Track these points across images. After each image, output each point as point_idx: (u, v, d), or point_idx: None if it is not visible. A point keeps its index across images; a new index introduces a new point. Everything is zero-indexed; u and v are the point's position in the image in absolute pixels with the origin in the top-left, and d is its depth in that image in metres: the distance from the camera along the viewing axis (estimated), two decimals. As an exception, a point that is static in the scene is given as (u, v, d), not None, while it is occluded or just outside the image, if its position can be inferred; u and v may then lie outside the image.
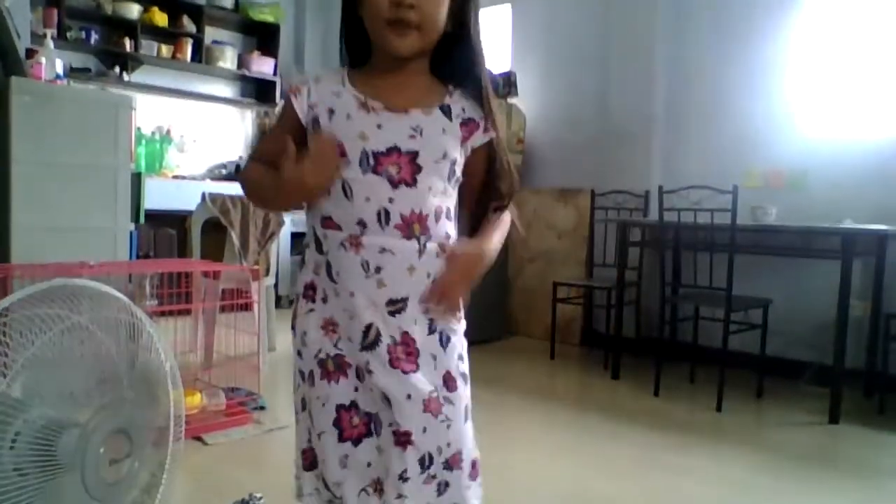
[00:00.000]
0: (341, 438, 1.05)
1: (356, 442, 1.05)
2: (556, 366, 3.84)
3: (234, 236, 3.38)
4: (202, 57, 5.53)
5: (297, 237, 5.31)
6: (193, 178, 5.41)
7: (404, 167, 1.01)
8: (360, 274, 1.01)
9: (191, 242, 3.63)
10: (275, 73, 5.95)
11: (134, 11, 5.10)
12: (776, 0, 3.66)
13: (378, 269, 1.01)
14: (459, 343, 1.08)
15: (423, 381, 1.02)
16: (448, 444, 1.03)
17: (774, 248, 3.26)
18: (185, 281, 2.89)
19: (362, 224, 1.01)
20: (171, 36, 5.39)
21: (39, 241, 2.47)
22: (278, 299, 4.83)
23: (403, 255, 1.01)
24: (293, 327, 1.11)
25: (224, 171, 5.76)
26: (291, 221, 5.27)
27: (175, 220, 4.63)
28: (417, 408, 1.01)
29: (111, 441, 1.40)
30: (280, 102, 5.93)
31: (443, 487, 1.04)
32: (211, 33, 5.72)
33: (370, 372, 1.02)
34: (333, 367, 1.05)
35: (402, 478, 1.01)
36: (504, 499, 2.02)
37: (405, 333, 1.02)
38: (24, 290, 1.31)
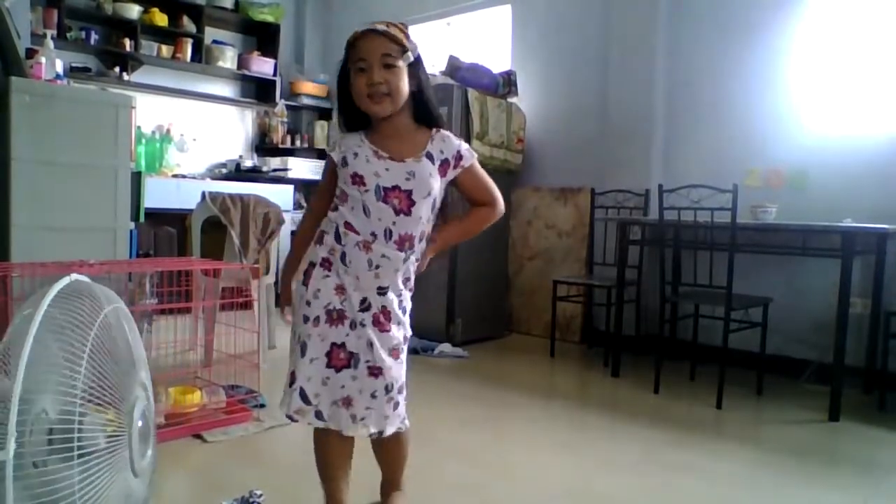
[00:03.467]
0: (328, 365, 1.52)
1: (338, 370, 1.52)
2: (557, 364, 3.85)
3: (234, 235, 3.38)
4: (202, 57, 5.54)
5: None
6: (193, 178, 5.41)
7: (403, 201, 1.48)
8: (365, 267, 1.50)
9: (191, 241, 3.64)
10: (275, 73, 5.95)
11: (134, 11, 5.10)
12: (776, 0, 3.67)
13: (377, 267, 1.50)
14: (408, 314, 1.60)
15: (393, 337, 1.53)
16: (400, 377, 1.55)
17: (774, 246, 3.26)
18: (185, 279, 2.90)
19: (374, 235, 1.49)
20: (171, 36, 5.40)
21: (39, 240, 2.48)
22: (278, 297, 4.82)
23: (395, 261, 1.51)
24: (304, 283, 1.54)
25: (224, 171, 5.77)
26: (292, 220, 5.27)
27: (175, 219, 4.63)
28: (387, 353, 1.52)
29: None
30: (280, 102, 5.98)
31: (397, 406, 1.55)
32: (211, 33, 5.72)
33: (363, 325, 1.51)
34: (336, 317, 1.52)
35: (373, 395, 1.52)
36: (504, 495, 2.02)
37: (384, 306, 1.52)
38: (53, 288, 1.30)
